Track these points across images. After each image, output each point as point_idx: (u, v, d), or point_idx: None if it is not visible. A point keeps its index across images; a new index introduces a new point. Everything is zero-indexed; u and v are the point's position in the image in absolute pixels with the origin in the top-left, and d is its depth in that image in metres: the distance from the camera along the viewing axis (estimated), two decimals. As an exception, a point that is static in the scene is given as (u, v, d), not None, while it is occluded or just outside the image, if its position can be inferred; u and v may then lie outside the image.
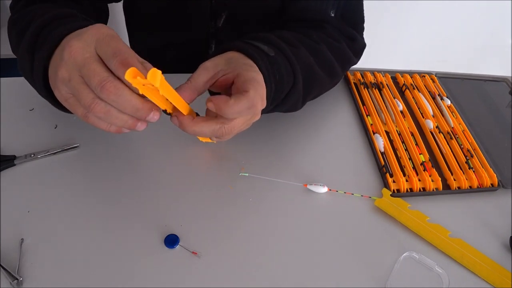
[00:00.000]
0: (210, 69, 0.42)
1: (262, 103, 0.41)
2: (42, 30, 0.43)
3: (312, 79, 0.54)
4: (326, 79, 0.57)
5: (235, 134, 0.44)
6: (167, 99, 0.38)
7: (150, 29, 0.73)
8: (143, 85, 0.33)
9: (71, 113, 0.42)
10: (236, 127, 0.42)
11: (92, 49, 0.36)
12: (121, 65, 0.34)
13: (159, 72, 0.32)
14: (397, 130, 0.61)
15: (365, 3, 0.66)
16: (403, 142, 0.59)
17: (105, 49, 0.35)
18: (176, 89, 0.41)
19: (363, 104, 0.65)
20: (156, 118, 0.38)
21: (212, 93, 0.49)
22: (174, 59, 0.73)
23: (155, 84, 0.32)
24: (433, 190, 0.53)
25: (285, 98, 0.50)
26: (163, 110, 0.40)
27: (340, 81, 0.68)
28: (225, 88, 0.43)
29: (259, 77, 0.42)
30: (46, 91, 0.43)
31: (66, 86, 0.37)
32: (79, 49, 0.36)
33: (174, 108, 0.41)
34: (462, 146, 0.59)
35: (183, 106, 0.40)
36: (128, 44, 0.46)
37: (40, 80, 0.42)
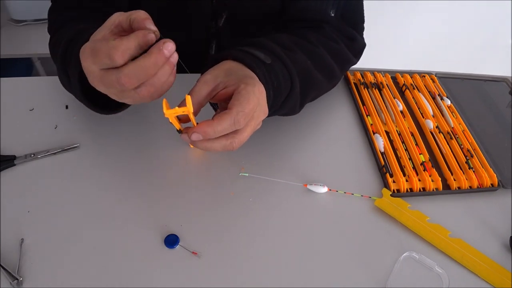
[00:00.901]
0: (210, 82, 0.43)
1: (245, 117, 0.41)
2: (67, 51, 0.46)
3: (310, 83, 0.54)
4: (324, 81, 0.58)
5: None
6: (177, 120, 0.43)
7: None
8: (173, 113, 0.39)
9: (122, 108, 0.49)
10: (245, 139, 0.43)
11: (96, 69, 0.38)
12: (120, 54, 0.36)
13: (189, 97, 0.39)
14: (397, 130, 0.61)
15: (365, 3, 0.66)
16: (403, 142, 0.59)
17: (100, 63, 0.37)
18: (180, 103, 0.42)
19: (363, 104, 0.65)
20: (170, 48, 0.38)
21: (212, 104, 0.51)
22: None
23: (190, 109, 0.39)
24: (433, 190, 0.53)
25: (284, 102, 0.50)
26: (176, 130, 0.43)
27: (339, 81, 0.68)
28: (225, 100, 0.43)
29: (255, 90, 0.42)
30: (88, 102, 0.47)
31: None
32: (98, 83, 0.39)
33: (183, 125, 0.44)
34: (462, 146, 0.59)
35: (194, 123, 0.43)
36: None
37: (80, 94, 0.47)
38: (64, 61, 0.47)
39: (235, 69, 0.45)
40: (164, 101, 0.39)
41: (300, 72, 0.51)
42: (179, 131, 0.43)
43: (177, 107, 0.39)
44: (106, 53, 0.36)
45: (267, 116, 0.47)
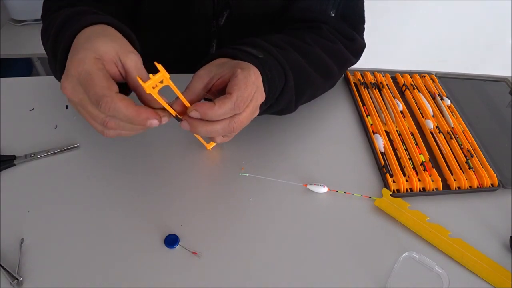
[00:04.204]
0: (204, 76, 0.43)
1: (245, 101, 0.42)
2: (58, 34, 0.45)
3: (304, 79, 0.54)
4: (319, 79, 0.57)
5: (241, 129, 0.45)
6: (171, 107, 0.41)
7: (152, 28, 0.73)
8: (153, 88, 0.38)
9: None
10: (244, 120, 0.43)
11: (82, 90, 0.39)
12: (107, 109, 0.37)
13: (157, 63, 0.37)
14: (397, 130, 0.61)
15: (366, 4, 0.66)
16: (403, 142, 0.59)
17: (89, 95, 0.38)
18: (177, 98, 0.42)
19: (363, 104, 0.65)
20: (155, 123, 0.40)
21: (207, 100, 0.50)
22: (176, 58, 0.73)
23: (166, 75, 0.37)
24: (433, 190, 0.53)
25: (279, 97, 0.50)
26: (174, 116, 0.42)
27: (338, 81, 0.68)
28: (222, 89, 0.44)
29: (251, 73, 0.43)
30: None
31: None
32: (71, 91, 0.39)
33: (182, 113, 0.43)
34: (462, 146, 0.59)
35: (181, 97, 0.43)
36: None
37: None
38: (55, 44, 0.45)
39: (227, 62, 0.45)
40: (138, 78, 0.37)
41: (293, 68, 0.51)
42: (177, 119, 0.43)
43: (151, 75, 0.37)
44: (98, 116, 0.38)
45: (264, 113, 0.47)
